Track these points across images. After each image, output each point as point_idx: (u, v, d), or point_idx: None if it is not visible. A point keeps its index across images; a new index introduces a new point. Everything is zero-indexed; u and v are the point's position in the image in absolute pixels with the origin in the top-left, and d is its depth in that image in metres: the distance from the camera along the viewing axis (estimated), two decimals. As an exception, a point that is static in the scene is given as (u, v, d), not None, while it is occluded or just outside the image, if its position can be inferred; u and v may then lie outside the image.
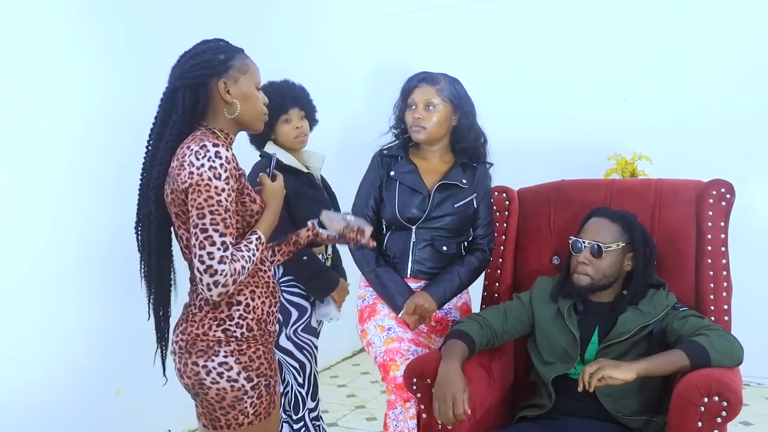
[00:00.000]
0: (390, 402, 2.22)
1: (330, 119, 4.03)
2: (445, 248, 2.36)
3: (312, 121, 2.64)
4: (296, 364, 2.49)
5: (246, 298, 1.66)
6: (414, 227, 2.35)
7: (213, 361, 1.62)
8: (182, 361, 1.66)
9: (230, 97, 1.67)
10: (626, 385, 1.88)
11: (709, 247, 2.22)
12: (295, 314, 2.48)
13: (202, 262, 1.53)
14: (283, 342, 2.47)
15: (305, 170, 2.56)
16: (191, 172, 1.54)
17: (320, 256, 2.54)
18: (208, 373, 1.62)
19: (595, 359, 1.98)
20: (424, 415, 2.07)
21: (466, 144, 2.39)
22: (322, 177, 2.68)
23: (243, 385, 1.63)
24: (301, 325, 2.49)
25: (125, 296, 2.89)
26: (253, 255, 1.62)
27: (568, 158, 3.51)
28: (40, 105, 2.65)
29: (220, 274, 1.52)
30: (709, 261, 2.21)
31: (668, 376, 1.95)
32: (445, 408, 1.89)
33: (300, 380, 2.50)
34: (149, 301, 1.75)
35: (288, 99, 2.51)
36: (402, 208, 2.34)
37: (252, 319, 1.66)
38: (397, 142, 2.47)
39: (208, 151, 1.55)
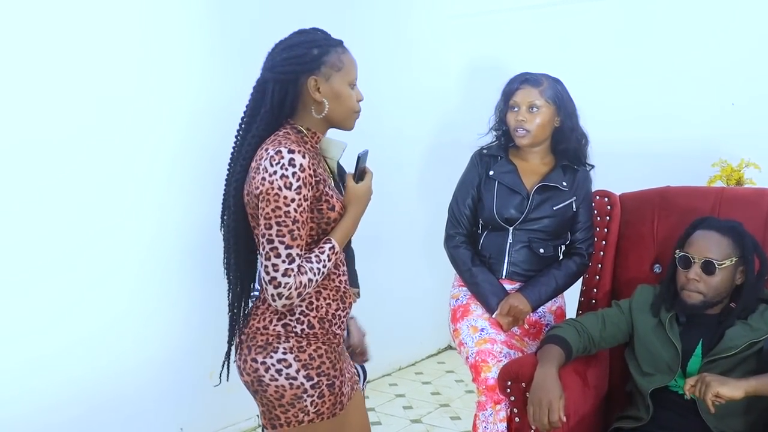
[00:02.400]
0: (480, 403, 2.20)
1: (424, 116, 4.06)
2: (542, 250, 2.32)
3: None
4: None
5: (310, 297, 1.62)
6: (511, 228, 2.32)
7: (272, 357, 1.58)
8: (242, 357, 1.63)
9: (320, 95, 1.60)
10: (732, 403, 1.79)
11: (829, 263, 2.08)
12: None
13: (267, 273, 1.50)
14: None
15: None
16: (263, 179, 1.50)
17: None
18: (266, 370, 1.58)
19: (698, 373, 1.90)
20: (516, 419, 2.05)
21: (568, 145, 2.35)
22: (339, 166, 2.44)
23: (302, 383, 1.58)
24: None
25: (221, 283, 3.01)
26: (324, 266, 1.57)
27: (669, 163, 3.36)
28: (154, 102, 2.77)
29: (284, 287, 1.50)
30: (828, 277, 2.08)
31: (780, 397, 1.85)
32: (541, 414, 1.87)
33: None
34: (228, 295, 1.70)
35: None
36: (500, 209, 2.31)
37: (314, 317, 1.61)
38: (497, 141, 2.44)
39: (282, 157, 1.49)
